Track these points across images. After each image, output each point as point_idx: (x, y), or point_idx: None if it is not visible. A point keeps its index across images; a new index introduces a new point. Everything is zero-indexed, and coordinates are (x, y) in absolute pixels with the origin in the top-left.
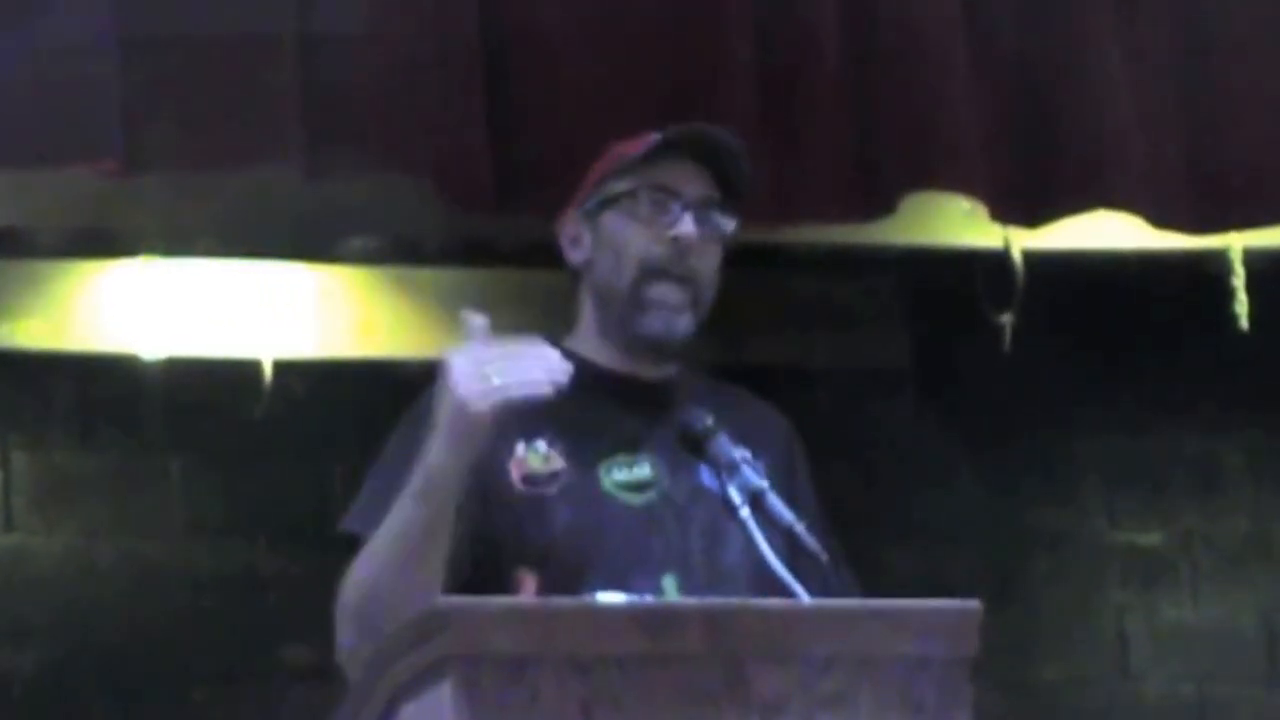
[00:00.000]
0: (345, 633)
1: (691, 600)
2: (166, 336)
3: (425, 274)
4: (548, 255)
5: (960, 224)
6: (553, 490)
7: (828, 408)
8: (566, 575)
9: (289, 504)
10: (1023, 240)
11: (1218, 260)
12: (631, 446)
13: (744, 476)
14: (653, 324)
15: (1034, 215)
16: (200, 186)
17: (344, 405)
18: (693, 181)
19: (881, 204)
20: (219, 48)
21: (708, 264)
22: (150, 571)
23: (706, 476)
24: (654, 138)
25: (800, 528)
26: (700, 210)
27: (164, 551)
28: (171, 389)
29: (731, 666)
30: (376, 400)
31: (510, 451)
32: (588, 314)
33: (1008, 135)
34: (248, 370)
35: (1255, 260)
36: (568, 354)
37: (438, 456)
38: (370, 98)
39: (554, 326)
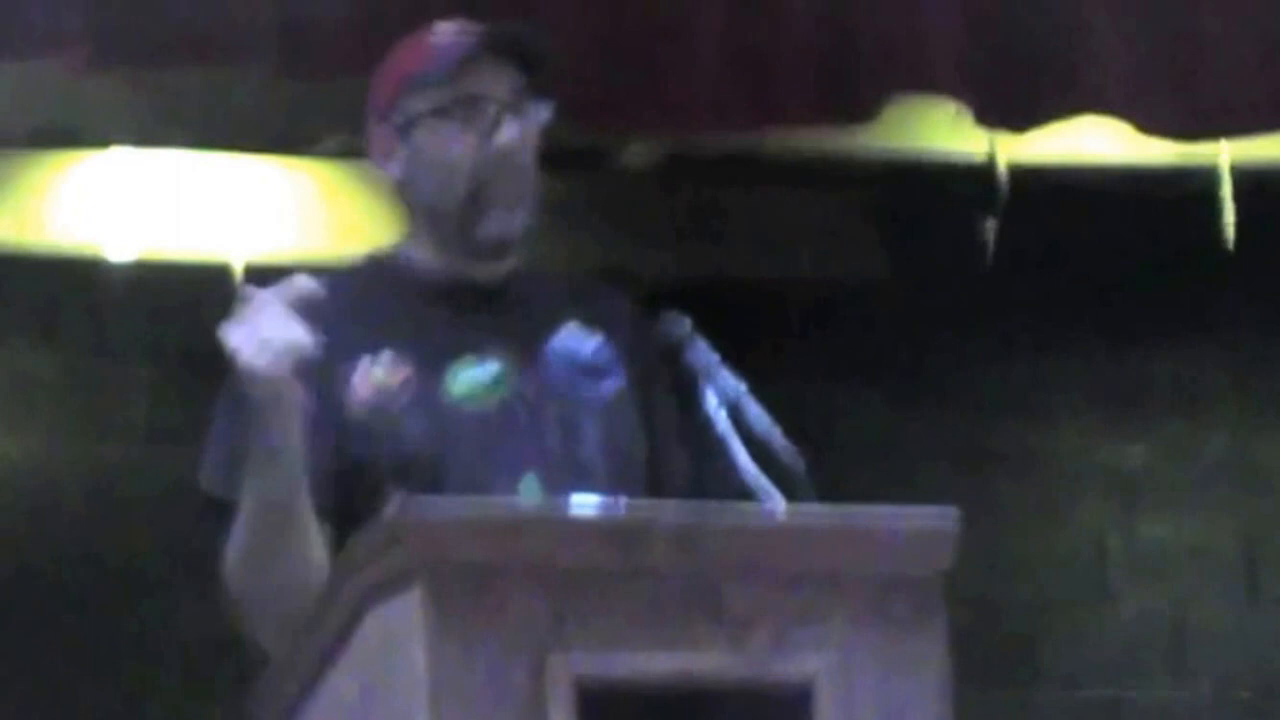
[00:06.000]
0: (237, 617)
1: (665, 509)
2: (134, 235)
3: None
4: None
5: (943, 133)
6: (402, 402)
7: (804, 319)
8: (425, 487)
9: None
10: (1007, 151)
11: (1204, 175)
12: (476, 349)
13: (723, 382)
14: (491, 226)
15: (1019, 119)
16: (167, 80)
17: None
18: (499, 81)
19: (863, 109)
20: None
21: (530, 157)
22: (112, 477)
23: (553, 373)
24: (451, 48)
25: (776, 432)
26: (514, 110)
27: (127, 457)
28: (139, 290)
29: (703, 581)
30: None
31: (354, 369)
32: (415, 223)
33: (993, 38)
34: (218, 272)
35: (1241, 176)
36: (401, 262)
37: (263, 434)
38: None
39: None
